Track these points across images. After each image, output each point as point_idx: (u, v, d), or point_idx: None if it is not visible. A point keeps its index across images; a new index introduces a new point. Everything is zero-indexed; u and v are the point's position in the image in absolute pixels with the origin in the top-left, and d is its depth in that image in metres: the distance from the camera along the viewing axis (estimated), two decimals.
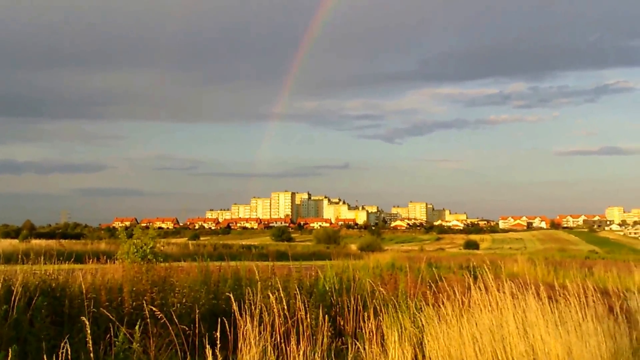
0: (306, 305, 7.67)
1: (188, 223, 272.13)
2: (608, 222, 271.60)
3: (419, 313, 7.87)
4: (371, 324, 7.71)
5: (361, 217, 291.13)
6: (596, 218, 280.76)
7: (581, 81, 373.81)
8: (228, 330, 6.44)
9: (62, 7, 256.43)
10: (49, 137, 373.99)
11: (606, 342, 6.39)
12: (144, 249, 12.10)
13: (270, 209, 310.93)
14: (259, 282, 8.26)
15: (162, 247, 13.42)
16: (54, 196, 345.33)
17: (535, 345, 6.32)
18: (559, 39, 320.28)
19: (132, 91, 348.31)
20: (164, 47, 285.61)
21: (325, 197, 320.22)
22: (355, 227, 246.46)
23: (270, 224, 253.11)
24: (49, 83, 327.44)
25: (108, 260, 11.37)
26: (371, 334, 7.58)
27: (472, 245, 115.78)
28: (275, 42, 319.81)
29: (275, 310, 7.23)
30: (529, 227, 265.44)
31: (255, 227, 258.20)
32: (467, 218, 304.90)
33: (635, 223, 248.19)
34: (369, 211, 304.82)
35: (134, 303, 7.78)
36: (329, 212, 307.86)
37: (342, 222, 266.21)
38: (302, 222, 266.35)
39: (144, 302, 7.25)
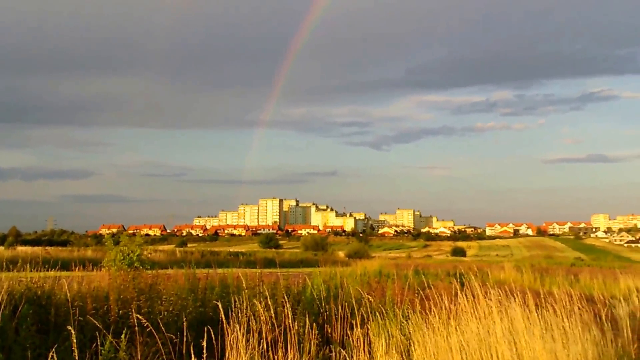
0: (294, 313, 7.65)
1: (175, 230, 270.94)
2: (594, 229, 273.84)
3: (407, 321, 7.88)
4: (359, 331, 7.69)
5: (349, 224, 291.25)
6: (582, 225, 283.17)
7: (567, 89, 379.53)
8: (215, 338, 6.42)
9: (50, 13, 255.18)
10: (35, 144, 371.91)
11: (592, 350, 6.43)
12: (130, 257, 12.00)
13: (258, 215, 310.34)
14: (247, 290, 8.25)
15: (149, 255, 13.31)
16: (40, 203, 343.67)
17: (522, 353, 6.36)
18: (544, 48, 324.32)
19: (120, 98, 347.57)
20: (152, 54, 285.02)
21: (313, 204, 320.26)
22: (343, 234, 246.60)
23: (258, 231, 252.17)
24: (35, 89, 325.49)
25: (94, 268, 11.32)
26: (359, 341, 7.55)
27: (459, 252, 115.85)
28: (263, 50, 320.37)
29: (262, 318, 7.22)
30: (516, 234, 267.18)
31: (243, 234, 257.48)
32: (454, 225, 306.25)
33: (620, 230, 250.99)
34: (357, 218, 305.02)
35: (121, 311, 7.74)
36: (317, 219, 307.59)
37: (330, 229, 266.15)
38: (289, 229, 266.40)
39: (131, 310, 7.21)
